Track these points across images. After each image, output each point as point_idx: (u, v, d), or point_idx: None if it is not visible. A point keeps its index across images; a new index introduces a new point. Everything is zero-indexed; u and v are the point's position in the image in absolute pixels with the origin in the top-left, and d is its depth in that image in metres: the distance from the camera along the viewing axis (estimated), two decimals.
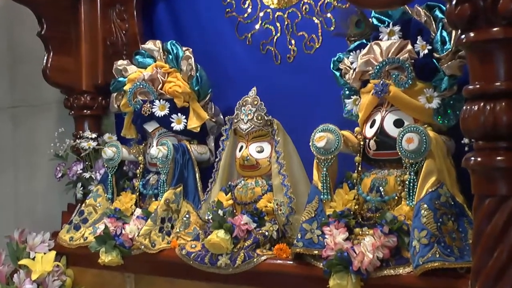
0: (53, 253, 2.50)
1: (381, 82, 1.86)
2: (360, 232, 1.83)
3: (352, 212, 1.86)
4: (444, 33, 1.81)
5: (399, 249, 1.73)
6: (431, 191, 1.68)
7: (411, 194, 1.75)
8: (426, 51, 1.81)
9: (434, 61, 1.82)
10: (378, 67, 1.87)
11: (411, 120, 1.85)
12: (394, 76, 1.85)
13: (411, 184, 1.76)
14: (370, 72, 1.90)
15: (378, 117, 1.90)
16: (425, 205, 1.66)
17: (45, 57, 2.77)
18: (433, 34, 1.83)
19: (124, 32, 2.74)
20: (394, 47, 1.86)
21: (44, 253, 2.50)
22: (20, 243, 2.54)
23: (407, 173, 1.77)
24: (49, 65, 2.77)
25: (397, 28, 1.87)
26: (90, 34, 2.82)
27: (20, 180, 3.25)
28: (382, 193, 1.84)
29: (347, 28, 2.01)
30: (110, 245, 2.25)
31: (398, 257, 1.72)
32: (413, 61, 1.83)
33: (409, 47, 1.84)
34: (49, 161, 2.85)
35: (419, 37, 1.82)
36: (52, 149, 2.76)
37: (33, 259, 2.49)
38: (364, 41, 1.97)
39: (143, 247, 2.20)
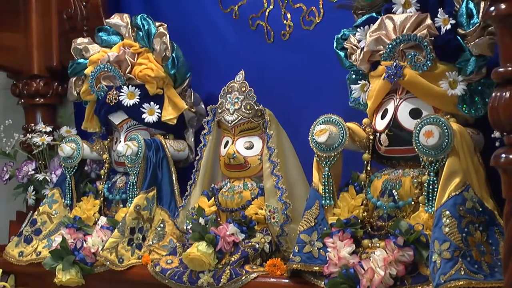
0: None
1: (394, 64, 1.86)
2: (370, 245, 1.83)
3: (359, 221, 1.86)
4: (471, 5, 1.82)
5: (416, 265, 1.73)
6: (454, 195, 1.68)
7: (430, 198, 1.76)
8: (448, 27, 1.81)
9: (459, 38, 1.82)
10: (390, 46, 1.88)
11: (430, 110, 1.86)
12: (410, 56, 1.85)
13: (431, 187, 1.76)
14: (381, 52, 1.90)
15: (390, 106, 1.91)
16: (448, 212, 1.67)
17: None
18: (457, 6, 1.84)
19: (84, 3, 2.74)
20: (410, 22, 1.86)
21: None
22: None
23: (426, 173, 1.78)
24: None
25: None
26: (42, 6, 2.81)
27: None
28: (396, 198, 1.84)
29: None
30: (69, 261, 2.25)
31: (415, 275, 1.73)
32: (433, 38, 1.84)
33: (428, 21, 1.84)
34: None
35: (440, 10, 1.82)
36: None
37: None
38: (374, 14, 1.97)
39: (108, 263, 2.20)
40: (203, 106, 2.48)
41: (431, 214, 1.74)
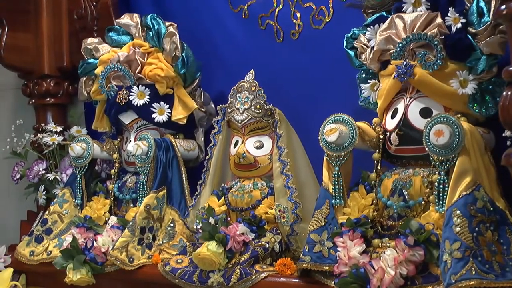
0: (10, 270, 2.51)
1: (405, 63, 1.85)
2: (380, 244, 1.83)
3: (370, 220, 1.86)
4: (482, 3, 1.81)
5: (427, 264, 1.73)
6: (465, 194, 1.67)
7: (441, 198, 1.75)
8: (459, 25, 1.81)
9: (469, 37, 1.82)
10: (400, 45, 1.87)
11: (440, 109, 1.85)
12: (420, 55, 1.85)
13: (441, 186, 1.75)
14: (391, 51, 1.90)
15: (401, 106, 1.90)
16: (458, 212, 1.66)
17: None
18: (468, 5, 1.83)
19: (94, 3, 2.74)
20: (421, 21, 1.85)
21: None
22: None
23: (436, 172, 1.77)
24: (3, 43, 2.77)
25: None
26: (53, 6, 2.82)
27: None
28: (406, 197, 1.84)
29: None
30: (79, 261, 2.25)
31: (426, 274, 1.72)
32: (443, 37, 1.83)
33: (439, 20, 1.84)
34: (3, 160, 2.85)
35: (450, 8, 1.82)
36: (8, 146, 2.77)
37: None
38: (384, 13, 1.97)
39: (118, 262, 2.20)
40: (213, 105, 2.48)
41: (442, 213, 1.73)
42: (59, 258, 2.31)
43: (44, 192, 2.70)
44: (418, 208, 1.81)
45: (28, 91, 2.88)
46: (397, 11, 1.92)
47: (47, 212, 2.52)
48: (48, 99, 2.86)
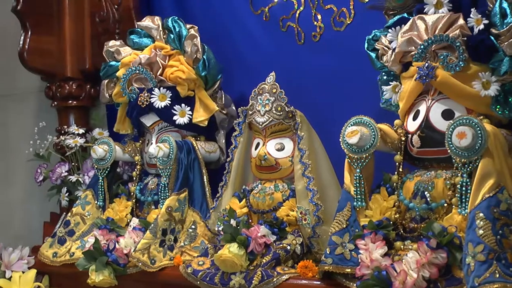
0: (33, 272, 2.52)
1: (426, 64, 1.84)
2: (402, 247, 1.82)
3: (391, 222, 1.85)
4: (505, 4, 1.79)
5: (450, 267, 1.72)
6: (488, 196, 1.66)
7: (463, 200, 1.74)
8: (481, 26, 1.79)
9: (492, 38, 1.80)
10: (422, 46, 1.86)
11: (463, 111, 1.84)
12: (442, 57, 1.83)
13: (464, 189, 1.74)
14: (413, 52, 1.89)
15: (422, 108, 1.89)
16: (481, 214, 1.65)
17: (22, 37, 2.80)
18: (491, 6, 1.81)
19: (116, 6, 2.76)
20: (442, 22, 1.84)
21: (23, 272, 2.52)
22: None
23: (459, 175, 1.76)
24: (26, 46, 2.79)
25: None
26: (75, 9, 2.84)
27: None
28: (428, 200, 1.83)
29: (385, 0, 2.00)
30: (102, 262, 2.26)
31: (449, 277, 1.71)
32: (465, 38, 1.82)
33: (461, 21, 1.82)
34: (27, 163, 2.87)
35: (473, 10, 1.80)
36: (31, 148, 2.78)
37: (10, 279, 2.51)
38: (405, 15, 1.96)
39: (140, 264, 2.21)
40: (234, 107, 2.48)
41: (465, 216, 1.72)
42: (81, 259, 2.32)
43: (67, 194, 2.72)
44: (441, 210, 1.80)
45: (51, 94, 2.90)
46: (419, 13, 1.91)
47: (69, 214, 2.54)
48: (70, 101, 2.88)
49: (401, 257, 1.76)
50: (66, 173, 2.71)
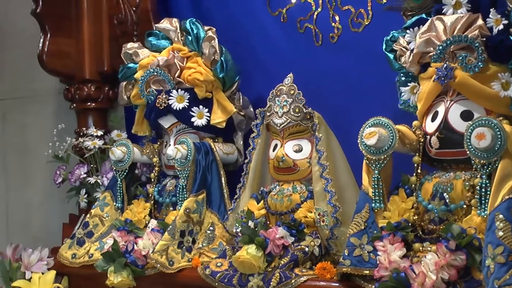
0: (53, 273, 2.53)
1: (445, 65, 1.84)
2: (421, 248, 1.82)
3: (410, 224, 1.85)
4: None
5: (469, 269, 1.71)
6: (508, 198, 1.65)
7: (483, 202, 1.73)
8: (501, 27, 1.78)
9: (511, 38, 1.80)
10: (441, 47, 1.85)
11: (482, 112, 1.83)
12: (461, 58, 1.83)
13: (483, 190, 1.73)
14: (431, 53, 1.88)
15: (441, 109, 1.89)
16: (501, 216, 1.63)
17: (41, 40, 2.82)
18: (510, 6, 1.80)
19: (134, 8, 2.77)
20: (461, 23, 1.84)
21: (42, 273, 2.53)
22: (14, 261, 2.58)
23: (478, 176, 1.75)
24: (45, 49, 2.81)
25: None
26: (94, 12, 2.85)
27: (12, 187, 3.31)
28: (447, 201, 1.82)
29: (403, 1, 2.00)
30: (120, 264, 2.27)
31: (468, 279, 1.70)
32: (484, 39, 1.81)
33: (480, 22, 1.82)
34: (46, 164, 2.89)
35: (492, 10, 1.79)
36: (50, 150, 2.80)
37: (29, 280, 2.52)
38: (423, 15, 1.95)
39: (159, 265, 2.22)
40: (251, 109, 2.48)
41: (484, 217, 1.71)
42: (100, 261, 2.33)
43: (86, 196, 2.73)
44: (460, 212, 1.80)
45: (69, 96, 2.91)
46: (437, 13, 1.91)
47: (88, 215, 2.55)
48: (89, 103, 2.89)
49: (419, 258, 1.76)
50: (84, 175, 2.72)
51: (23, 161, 3.25)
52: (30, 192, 3.23)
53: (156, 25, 2.55)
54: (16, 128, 3.28)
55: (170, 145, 2.44)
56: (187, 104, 2.41)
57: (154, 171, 2.52)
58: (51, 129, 2.84)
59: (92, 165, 2.74)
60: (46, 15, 2.80)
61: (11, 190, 3.31)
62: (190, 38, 2.44)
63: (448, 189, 1.83)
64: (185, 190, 2.32)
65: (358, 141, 1.89)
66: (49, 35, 2.81)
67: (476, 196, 1.75)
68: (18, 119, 3.27)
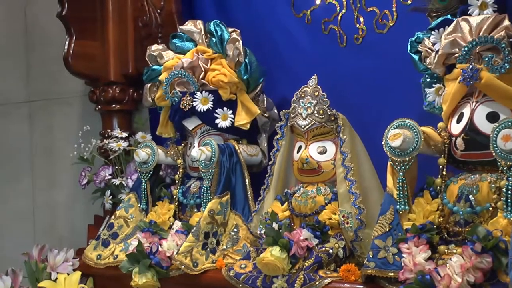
0: (78, 273, 2.55)
1: (471, 66, 1.83)
2: (446, 251, 1.81)
3: (435, 226, 1.84)
4: None
5: (495, 272, 1.69)
6: None
7: (509, 204, 1.72)
8: None
9: None
10: (466, 48, 1.84)
11: (508, 113, 1.82)
12: (486, 59, 1.82)
13: (510, 192, 1.72)
14: (457, 54, 1.88)
15: (466, 110, 1.88)
16: None
17: (66, 42, 2.84)
18: None
19: (158, 10, 2.78)
20: (487, 24, 1.83)
21: (68, 274, 2.55)
22: (40, 262, 2.60)
23: (504, 178, 1.74)
24: (71, 51, 2.83)
25: None
26: (119, 14, 2.87)
27: (38, 188, 3.34)
28: (473, 203, 1.81)
29: (428, 1, 1.99)
30: (145, 265, 2.28)
31: (494, 282, 1.69)
32: (511, 40, 1.80)
33: (506, 22, 1.81)
34: (72, 166, 2.91)
35: None
36: (76, 151, 2.82)
37: (55, 280, 2.54)
38: (449, 16, 1.95)
39: (183, 267, 2.22)
40: (276, 111, 2.48)
41: (510, 220, 1.70)
42: (125, 262, 2.34)
43: (110, 197, 2.75)
44: (486, 214, 1.78)
45: (94, 98, 2.93)
46: (463, 14, 1.90)
47: (113, 217, 2.57)
48: (114, 105, 2.91)
49: (445, 261, 1.75)
50: (109, 176, 2.74)
51: (49, 162, 3.28)
52: (56, 194, 3.26)
53: (181, 27, 2.56)
54: (43, 129, 3.31)
55: (194, 146, 2.44)
56: (211, 106, 2.41)
57: (178, 173, 2.53)
58: (77, 131, 2.87)
59: (116, 167, 2.76)
60: (72, 17, 2.82)
61: (37, 191, 3.34)
62: (214, 40, 2.45)
63: (474, 191, 1.82)
64: (209, 191, 2.33)
65: (383, 143, 1.89)
66: (74, 38, 2.83)
67: (502, 198, 1.74)
68: (45, 121, 3.30)
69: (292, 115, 2.20)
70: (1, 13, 3.27)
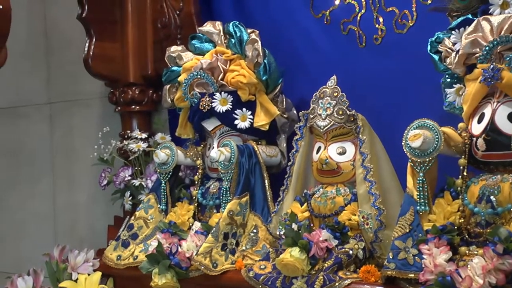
0: (99, 274, 2.56)
1: (492, 66, 1.81)
2: (467, 252, 1.80)
3: (456, 227, 1.83)
4: None
5: None
6: None
7: None
8: None
9: None
10: (487, 48, 1.83)
11: None
12: (508, 58, 1.81)
13: None
14: (478, 54, 1.87)
15: (487, 110, 1.86)
16: None
17: (86, 44, 2.86)
18: None
19: (177, 12, 2.79)
20: (508, 23, 1.81)
21: (88, 274, 2.56)
22: (61, 262, 2.62)
23: None
24: (91, 53, 2.85)
25: None
26: (138, 16, 2.88)
27: (59, 189, 3.36)
28: (494, 204, 1.80)
29: (448, 1, 1.98)
30: (164, 266, 2.29)
31: None
32: None
33: None
34: (92, 167, 2.93)
35: None
36: (96, 152, 2.83)
37: (76, 281, 2.55)
38: (469, 16, 1.94)
39: (202, 267, 2.23)
40: (295, 111, 2.48)
41: None
42: (145, 262, 2.35)
43: (130, 198, 2.76)
44: (507, 215, 1.77)
45: (114, 99, 2.95)
46: (483, 14, 1.89)
47: (133, 218, 2.57)
48: (133, 106, 2.92)
49: (466, 262, 1.74)
50: (129, 177, 2.75)
51: (69, 163, 3.30)
52: (76, 194, 3.28)
53: (200, 28, 2.56)
54: (63, 131, 3.33)
55: (213, 147, 2.45)
56: (231, 106, 2.41)
57: (197, 174, 2.54)
58: (96, 132, 2.88)
59: (136, 168, 2.77)
60: (92, 19, 2.84)
61: (57, 192, 3.36)
62: (233, 40, 2.45)
63: (495, 192, 1.80)
64: (228, 192, 2.33)
65: (403, 143, 1.88)
66: (94, 39, 2.84)
67: None
68: (65, 122, 3.32)
69: (311, 116, 2.19)
70: (21, 16, 3.30)
